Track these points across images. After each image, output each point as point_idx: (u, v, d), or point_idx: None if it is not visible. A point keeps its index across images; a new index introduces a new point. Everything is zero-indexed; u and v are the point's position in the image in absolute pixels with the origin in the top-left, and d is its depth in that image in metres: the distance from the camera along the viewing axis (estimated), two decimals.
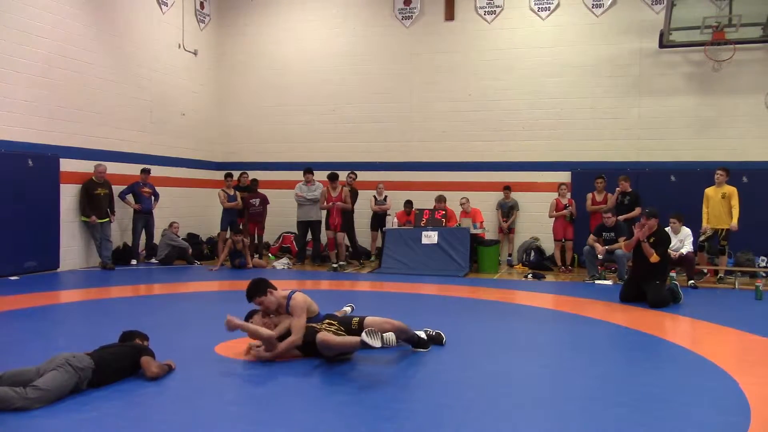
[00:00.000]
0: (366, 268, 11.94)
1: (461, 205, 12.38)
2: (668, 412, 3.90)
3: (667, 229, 9.23)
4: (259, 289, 5.16)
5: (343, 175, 12.87)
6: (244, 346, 5.22)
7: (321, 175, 12.49)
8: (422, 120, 13.79)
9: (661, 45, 12.09)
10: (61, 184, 10.65)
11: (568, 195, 11.97)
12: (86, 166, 11.10)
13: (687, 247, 9.51)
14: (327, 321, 5.13)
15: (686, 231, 9.64)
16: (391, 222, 12.11)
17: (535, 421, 3.80)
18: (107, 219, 11.15)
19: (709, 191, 10.25)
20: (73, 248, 10.98)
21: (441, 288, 9.44)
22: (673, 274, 8.99)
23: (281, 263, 11.93)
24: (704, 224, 10.21)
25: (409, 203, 12.52)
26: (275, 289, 5.25)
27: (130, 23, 12.32)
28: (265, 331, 4.92)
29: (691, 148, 12.24)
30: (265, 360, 4.94)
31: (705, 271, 10.23)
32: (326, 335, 4.76)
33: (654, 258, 8.00)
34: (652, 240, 8.12)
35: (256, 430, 3.59)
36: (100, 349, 4.41)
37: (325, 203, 11.99)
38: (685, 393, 4.36)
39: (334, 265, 11.59)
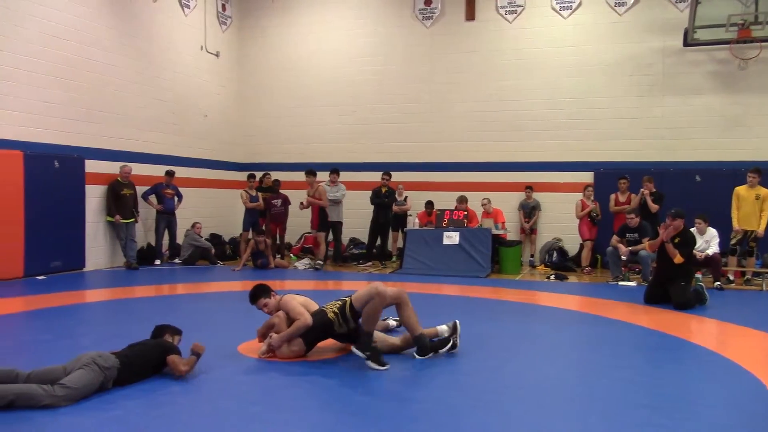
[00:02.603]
0: (387, 268, 11.94)
1: (482, 205, 12.33)
2: (692, 415, 3.85)
3: (692, 230, 9.11)
4: (263, 291, 5.30)
5: (372, 176, 13.07)
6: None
7: (343, 176, 12.59)
8: (443, 120, 13.76)
9: (686, 43, 11.93)
10: (86, 185, 10.81)
11: (593, 197, 11.85)
12: (111, 167, 11.24)
13: (713, 248, 9.37)
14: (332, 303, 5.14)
15: (712, 232, 9.50)
16: (412, 223, 12.11)
17: (556, 422, 3.77)
18: (132, 219, 11.28)
19: (741, 191, 10.02)
20: (98, 248, 11.12)
21: (462, 289, 9.41)
22: (698, 275, 8.88)
23: (303, 264, 11.98)
24: (735, 225, 9.95)
25: (430, 204, 12.50)
26: (275, 293, 5.37)
27: (153, 26, 12.46)
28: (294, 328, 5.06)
29: (717, 147, 12.06)
30: (277, 352, 5.04)
31: (731, 278, 10.01)
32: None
33: (678, 259, 7.90)
34: (677, 241, 8.01)
35: (278, 430, 3.61)
36: (129, 347, 4.45)
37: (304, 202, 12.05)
38: (711, 396, 4.30)
39: (319, 262, 11.74)
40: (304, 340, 5.05)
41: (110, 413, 3.76)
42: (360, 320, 4.95)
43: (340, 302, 5.00)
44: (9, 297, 8.06)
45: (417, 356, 5.04)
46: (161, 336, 4.69)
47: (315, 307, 5.34)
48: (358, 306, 4.86)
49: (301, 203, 12.11)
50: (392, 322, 6.01)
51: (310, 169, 12.15)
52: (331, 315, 4.96)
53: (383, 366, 4.73)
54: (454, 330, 5.34)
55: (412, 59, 13.96)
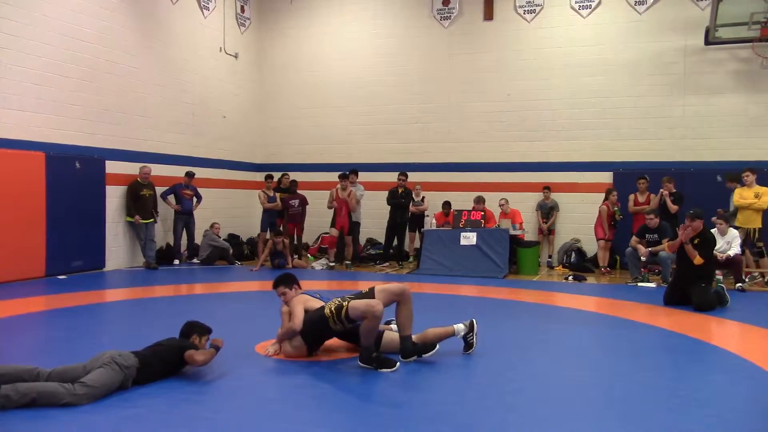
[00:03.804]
0: (404, 269, 11.94)
1: (500, 206, 12.28)
2: (714, 419, 3.80)
3: (713, 230, 9.00)
4: (287, 280, 5.32)
5: (390, 177, 13.06)
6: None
7: (361, 177, 12.63)
8: (461, 120, 13.73)
9: (707, 42, 11.79)
10: (106, 186, 10.92)
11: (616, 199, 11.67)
12: (131, 168, 11.35)
13: (734, 249, 9.25)
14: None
15: (733, 233, 9.38)
16: (430, 223, 12.09)
17: (575, 424, 3.74)
18: (152, 219, 11.38)
19: (742, 191, 10.02)
20: (118, 248, 11.24)
21: (480, 289, 9.37)
22: (719, 276, 8.76)
23: (320, 264, 12.01)
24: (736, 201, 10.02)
25: (447, 204, 12.48)
26: (300, 288, 5.38)
27: (173, 28, 12.57)
28: (291, 325, 5.11)
29: (738, 147, 11.92)
30: (273, 354, 5.13)
31: (745, 279, 9.82)
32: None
33: (697, 260, 7.81)
34: (696, 242, 7.92)
35: (298, 429, 3.62)
36: (150, 346, 4.45)
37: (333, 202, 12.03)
38: (732, 399, 4.25)
39: (331, 264, 11.93)
40: (304, 339, 5.05)
41: (130, 411, 3.80)
42: (356, 322, 4.85)
43: (339, 301, 4.92)
44: (31, 296, 8.17)
45: (400, 359, 4.92)
46: (189, 335, 4.66)
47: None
48: (353, 315, 4.77)
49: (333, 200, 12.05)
50: (394, 326, 5.79)
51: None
52: (327, 311, 4.89)
53: (393, 367, 4.72)
54: (470, 329, 5.31)
55: (430, 59, 13.94)
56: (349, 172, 12.46)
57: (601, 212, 11.53)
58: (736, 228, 9.63)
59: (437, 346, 5.03)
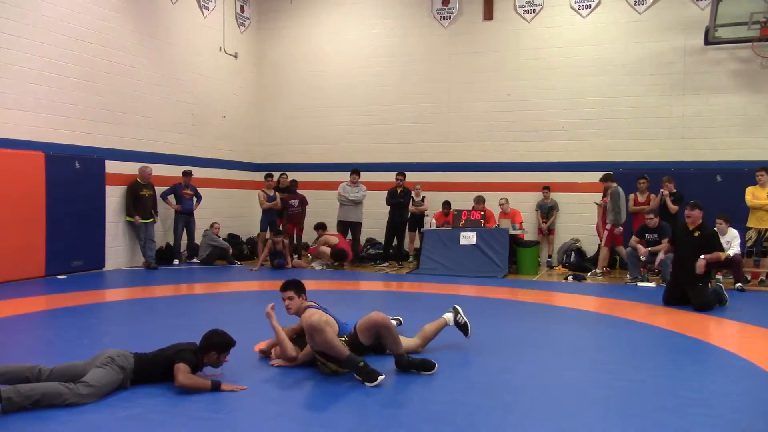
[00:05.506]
0: (404, 269, 11.94)
1: (500, 205, 12.28)
2: (713, 419, 3.80)
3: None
4: (298, 287, 4.96)
5: (390, 176, 13.03)
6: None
7: (361, 177, 12.63)
8: (461, 120, 13.73)
9: (707, 42, 11.79)
10: (106, 186, 10.92)
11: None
12: (130, 168, 11.35)
13: (734, 249, 9.25)
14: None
15: (733, 232, 9.39)
16: (429, 223, 12.09)
17: (576, 424, 3.74)
18: (152, 219, 11.38)
19: (754, 190, 9.98)
20: (117, 248, 11.23)
21: (479, 289, 9.37)
22: (719, 276, 8.76)
23: (319, 264, 12.00)
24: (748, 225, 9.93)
25: (447, 204, 12.48)
26: (306, 297, 5.04)
27: (172, 28, 12.56)
28: (288, 345, 4.87)
29: (738, 147, 11.92)
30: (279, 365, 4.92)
31: (749, 278, 9.87)
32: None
33: (720, 256, 7.93)
34: (696, 234, 7.94)
35: (297, 429, 3.62)
36: (159, 349, 4.39)
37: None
38: (732, 399, 4.24)
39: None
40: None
41: (130, 411, 3.81)
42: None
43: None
44: (31, 296, 8.17)
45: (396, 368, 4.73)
46: (207, 350, 4.40)
47: (336, 327, 4.93)
48: (309, 342, 4.61)
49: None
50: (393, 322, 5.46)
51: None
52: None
53: (375, 380, 4.35)
54: (456, 312, 5.44)
55: (430, 59, 13.94)
56: (351, 172, 12.51)
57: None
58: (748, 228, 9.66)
59: (436, 366, 4.70)
